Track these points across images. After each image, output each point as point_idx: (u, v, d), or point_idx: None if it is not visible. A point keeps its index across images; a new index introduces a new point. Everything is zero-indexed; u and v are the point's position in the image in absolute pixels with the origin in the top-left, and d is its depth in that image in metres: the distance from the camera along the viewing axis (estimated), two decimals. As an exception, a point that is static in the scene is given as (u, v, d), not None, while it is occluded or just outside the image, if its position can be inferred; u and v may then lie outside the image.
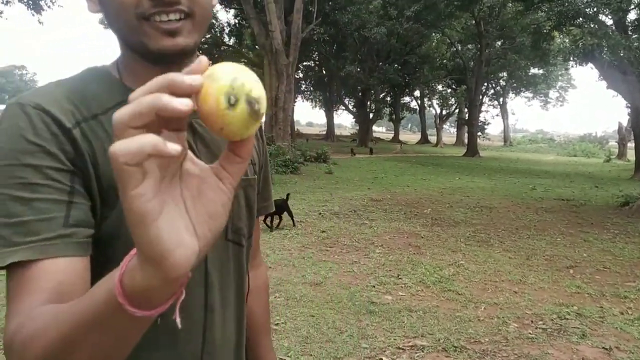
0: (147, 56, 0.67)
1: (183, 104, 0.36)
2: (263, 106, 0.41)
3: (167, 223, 0.38)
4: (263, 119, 0.43)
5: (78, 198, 0.62)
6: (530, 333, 3.61)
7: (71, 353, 0.48)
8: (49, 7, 17.32)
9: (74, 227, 0.60)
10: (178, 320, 0.46)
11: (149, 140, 0.35)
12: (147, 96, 0.36)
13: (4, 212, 0.58)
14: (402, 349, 3.29)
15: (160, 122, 0.37)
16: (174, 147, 0.36)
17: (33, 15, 17.40)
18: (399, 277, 4.82)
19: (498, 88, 50.83)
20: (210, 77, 0.39)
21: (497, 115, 58.76)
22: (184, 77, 0.37)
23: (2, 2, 16.87)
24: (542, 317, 3.92)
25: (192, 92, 0.37)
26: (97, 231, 0.64)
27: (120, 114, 0.36)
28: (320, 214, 7.84)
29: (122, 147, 0.35)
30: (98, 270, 0.61)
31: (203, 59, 0.39)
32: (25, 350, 0.51)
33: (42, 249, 0.58)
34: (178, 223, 0.39)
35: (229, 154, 0.43)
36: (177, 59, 0.67)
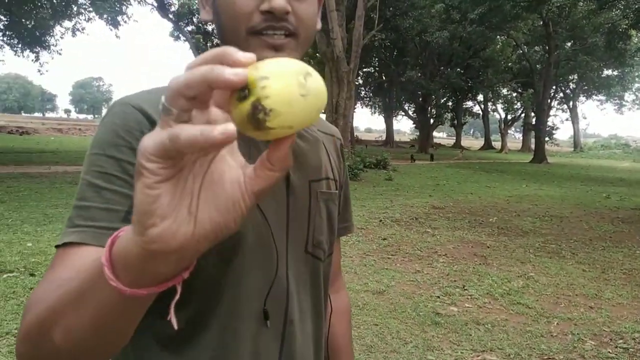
0: None
1: (234, 74, 0.34)
2: (273, 120, 0.36)
3: (170, 191, 0.37)
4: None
5: None
6: (609, 352, 3.40)
7: (46, 329, 0.48)
8: (125, 22, 18.38)
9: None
10: (174, 320, 0.44)
11: (193, 135, 0.34)
12: (201, 66, 0.35)
13: (80, 195, 0.62)
14: (470, 363, 3.19)
15: (209, 94, 0.36)
16: (223, 129, 0.34)
17: (111, 30, 18.52)
18: (465, 288, 4.68)
19: (567, 91, 48.52)
20: (255, 67, 0.37)
21: (566, 119, 55.98)
22: (238, 52, 0.35)
23: (85, 20, 18.06)
24: (622, 336, 3.68)
25: (242, 66, 0.35)
26: None
27: (175, 82, 0.35)
28: (380, 221, 7.78)
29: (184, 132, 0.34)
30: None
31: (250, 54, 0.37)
32: (26, 313, 0.52)
33: (94, 236, 0.59)
34: (183, 198, 0.38)
35: (264, 157, 0.39)
36: None
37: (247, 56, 0.35)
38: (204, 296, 0.68)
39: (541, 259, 5.86)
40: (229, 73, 0.34)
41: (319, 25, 0.76)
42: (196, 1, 31.91)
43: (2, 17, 16.98)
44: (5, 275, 4.25)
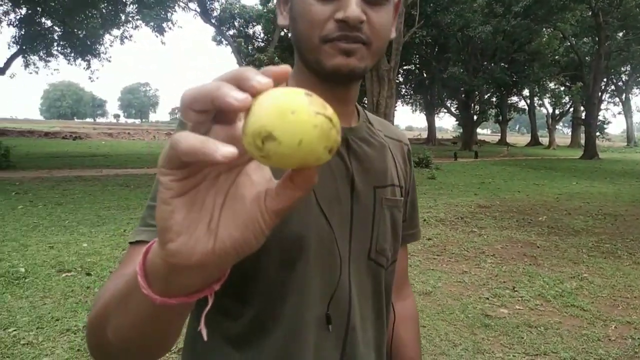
0: (320, 73, 0.71)
1: (236, 99, 0.33)
2: (273, 150, 0.33)
3: (186, 207, 0.36)
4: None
5: None
6: (673, 358, 3.23)
7: (102, 324, 0.50)
8: (170, 29, 18.93)
9: None
10: (204, 332, 0.45)
11: (193, 143, 0.33)
12: (211, 83, 0.34)
13: (152, 195, 0.65)
14: (523, 367, 3.10)
15: (219, 112, 0.35)
16: (225, 151, 0.32)
17: (157, 36, 19.10)
18: (515, 289, 4.55)
19: (620, 83, 46.41)
20: (268, 93, 0.34)
21: (618, 113, 53.57)
22: (253, 76, 0.34)
23: (132, 27, 18.71)
24: (686, 341, 3.49)
25: (252, 93, 0.34)
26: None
27: (186, 94, 0.35)
28: (425, 220, 7.67)
29: (175, 139, 0.33)
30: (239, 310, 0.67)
31: (285, 68, 0.37)
32: (93, 306, 0.55)
33: None
34: (203, 214, 0.37)
35: (287, 177, 0.38)
36: (346, 80, 0.71)
37: (262, 82, 0.34)
38: (268, 299, 0.69)
39: (595, 259, 5.63)
40: (232, 96, 0.33)
41: (393, 34, 0.76)
42: (237, 6, 32.68)
43: (56, 29, 17.81)
44: (64, 275, 4.45)
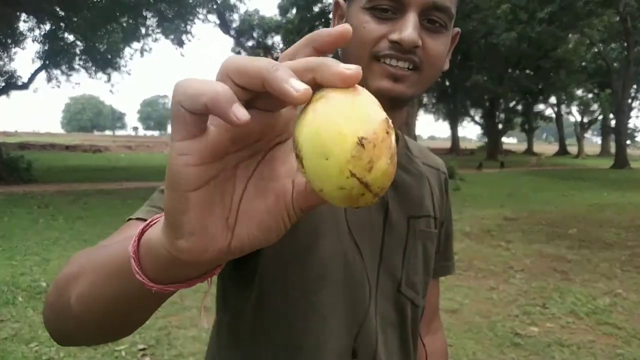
0: None
1: (295, 89, 0.28)
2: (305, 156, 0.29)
3: (202, 201, 0.31)
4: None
5: None
6: None
7: (70, 286, 0.47)
8: (189, 40, 19.22)
9: None
10: (204, 323, 0.44)
11: (214, 89, 0.28)
12: (264, 60, 0.29)
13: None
14: (557, 391, 2.94)
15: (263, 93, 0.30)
16: (239, 113, 0.27)
17: (176, 49, 19.43)
18: (545, 306, 4.38)
19: (651, 90, 45.23)
20: (331, 100, 0.29)
21: (650, 120, 52.23)
22: (326, 67, 0.30)
23: (152, 40, 19.07)
24: None
25: (346, 83, 0.30)
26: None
27: (231, 61, 0.30)
28: (450, 233, 7.51)
29: (185, 83, 0.29)
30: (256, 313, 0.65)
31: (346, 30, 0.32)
32: (67, 264, 0.52)
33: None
34: (218, 209, 0.32)
35: None
36: (390, 103, 0.67)
37: (352, 68, 0.30)
38: (290, 326, 0.67)
39: (629, 274, 5.40)
40: (292, 85, 0.28)
41: (446, 66, 0.74)
42: (256, 17, 33.13)
43: (78, 43, 18.28)
44: (84, 290, 4.45)
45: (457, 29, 0.74)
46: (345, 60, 0.70)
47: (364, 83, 0.65)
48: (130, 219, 0.62)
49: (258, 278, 0.66)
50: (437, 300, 1.00)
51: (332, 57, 0.34)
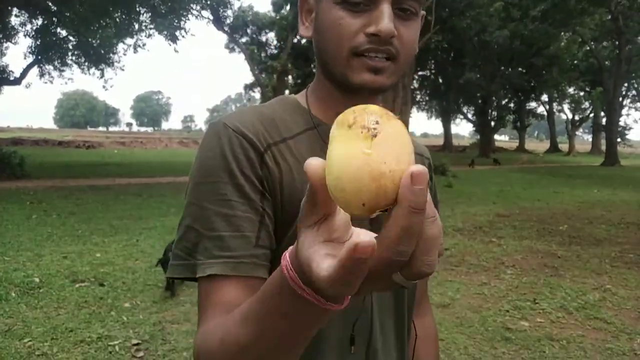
0: (344, 87, 0.71)
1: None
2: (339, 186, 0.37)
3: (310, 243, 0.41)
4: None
5: (267, 219, 0.67)
6: None
7: (257, 343, 0.51)
8: (183, 36, 19.11)
9: (262, 248, 0.65)
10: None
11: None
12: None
13: (209, 225, 0.65)
14: (546, 384, 2.99)
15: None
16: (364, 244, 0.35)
17: (170, 45, 19.31)
18: (536, 301, 4.43)
19: (641, 88, 45.55)
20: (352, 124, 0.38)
21: (640, 118, 52.60)
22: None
23: (146, 36, 18.95)
24: None
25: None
26: (276, 251, 0.68)
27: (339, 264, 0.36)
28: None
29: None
30: None
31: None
32: (214, 353, 0.57)
33: (235, 266, 0.63)
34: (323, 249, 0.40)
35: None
36: (370, 94, 0.70)
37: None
38: None
39: (618, 270, 5.47)
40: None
41: (416, 50, 0.75)
42: (250, 13, 32.95)
43: (71, 38, 18.12)
44: (77, 285, 4.45)
45: (423, 12, 0.75)
46: (321, 53, 0.71)
47: (343, 78, 0.68)
48: (201, 277, 0.64)
49: None
50: (425, 283, 1.02)
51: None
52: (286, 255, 0.45)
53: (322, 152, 0.69)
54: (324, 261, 0.39)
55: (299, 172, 0.69)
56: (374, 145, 0.36)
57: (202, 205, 0.65)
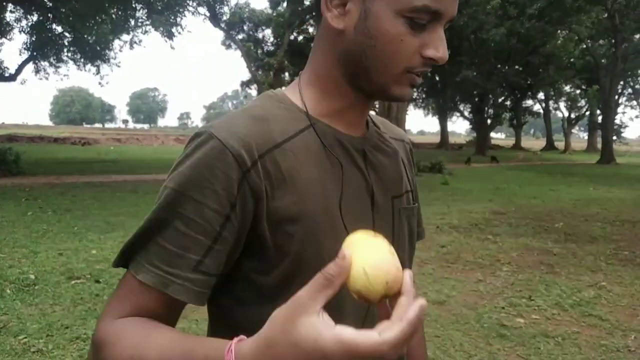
0: (368, 93, 0.71)
1: None
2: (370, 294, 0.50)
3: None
4: None
5: (220, 245, 0.64)
6: (698, 372, 3.10)
7: None
8: (179, 33, 19.06)
9: (202, 274, 0.63)
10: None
11: None
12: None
13: (161, 232, 0.64)
14: (541, 380, 3.00)
15: None
16: None
17: (166, 41, 19.25)
18: (531, 298, 4.45)
19: (637, 86, 45.72)
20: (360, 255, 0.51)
21: (635, 117, 52.92)
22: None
23: (142, 32, 18.88)
24: None
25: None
26: (263, 262, 0.66)
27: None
28: (438, 227, 7.57)
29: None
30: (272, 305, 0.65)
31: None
32: (104, 347, 0.61)
33: (165, 283, 0.62)
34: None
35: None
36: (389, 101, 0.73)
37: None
38: None
39: (614, 267, 5.50)
40: None
41: None
42: (246, 10, 32.88)
43: (66, 34, 18.03)
44: (73, 282, 4.44)
45: None
46: (363, 62, 0.68)
47: (382, 88, 0.68)
48: (135, 278, 0.64)
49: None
50: (411, 265, 1.02)
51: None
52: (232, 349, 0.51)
53: (320, 153, 0.69)
54: (359, 333, 0.46)
55: (294, 181, 0.66)
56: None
57: (162, 209, 0.64)
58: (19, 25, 17.38)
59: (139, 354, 0.58)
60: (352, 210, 0.70)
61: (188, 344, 0.57)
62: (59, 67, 19.46)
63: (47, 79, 19.76)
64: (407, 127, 32.35)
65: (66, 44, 18.66)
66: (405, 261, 0.79)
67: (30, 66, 18.68)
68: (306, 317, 0.47)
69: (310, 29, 30.40)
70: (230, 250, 0.65)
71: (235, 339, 0.52)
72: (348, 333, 0.46)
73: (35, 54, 18.11)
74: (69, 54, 19.19)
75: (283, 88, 0.76)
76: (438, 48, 0.65)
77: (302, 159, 0.67)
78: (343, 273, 0.49)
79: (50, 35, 17.78)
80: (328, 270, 0.49)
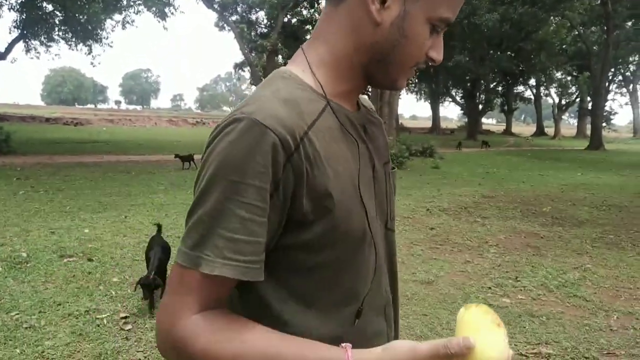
0: (380, 84, 0.80)
1: None
2: None
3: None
4: None
5: (270, 225, 0.67)
6: (676, 350, 3.20)
7: None
8: (172, 14, 18.79)
9: (264, 253, 0.68)
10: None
11: None
12: None
13: (224, 224, 0.64)
14: (525, 355, 3.09)
15: None
16: None
17: (159, 22, 18.97)
18: (517, 279, 4.53)
19: (627, 74, 45.94)
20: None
21: (625, 104, 53.18)
22: None
23: (134, 12, 18.58)
24: (689, 333, 3.46)
25: None
26: (303, 235, 0.70)
27: None
28: (428, 210, 7.65)
29: None
30: (305, 274, 0.72)
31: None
32: (188, 344, 0.65)
33: (244, 271, 0.65)
34: None
35: None
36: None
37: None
38: (342, 285, 0.77)
39: (599, 250, 5.60)
40: None
41: None
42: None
43: (57, 13, 17.68)
44: (65, 260, 4.46)
45: None
46: (389, 54, 0.74)
47: (390, 78, 0.78)
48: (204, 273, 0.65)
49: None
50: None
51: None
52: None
53: (339, 132, 0.74)
54: None
55: (328, 158, 0.70)
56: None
57: (219, 200, 0.64)
58: (8, 3, 17.03)
59: (242, 352, 0.64)
60: (363, 181, 0.76)
61: (297, 347, 0.66)
62: (50, 46, 19.16)
63: (38, 58, 19.56)
64: (399, 111, 32.31)
65: (57, 22, 18.32)
66: (394, 211, 0.89)
67: (20, 45, 18.36)
68: None
69: (304, 12, 30.07)
70: (275, 229, 0.68)
71: (345, 345, 0.66)
72: None
73: (25, 32, 17.78)
74: (60, 33, 18.88)
75: (288, 66, 0.78)
76: (439, 51, 0.76)
77: (328, 138, 0.72)
78: (462, 356, 0.60)
79: (40, 13, 17.44)
80: (452, 344, 0.60)
